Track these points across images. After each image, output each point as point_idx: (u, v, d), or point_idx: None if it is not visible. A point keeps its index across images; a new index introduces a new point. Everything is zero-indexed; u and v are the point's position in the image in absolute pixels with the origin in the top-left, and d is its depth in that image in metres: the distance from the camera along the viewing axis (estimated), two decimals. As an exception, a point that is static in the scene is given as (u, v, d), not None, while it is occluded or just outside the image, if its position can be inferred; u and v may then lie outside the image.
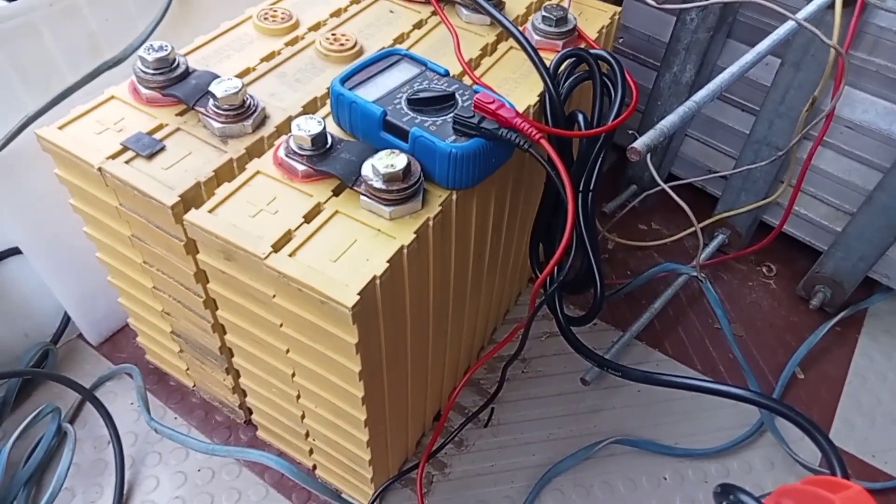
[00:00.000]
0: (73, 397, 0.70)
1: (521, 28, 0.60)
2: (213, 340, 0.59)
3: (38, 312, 0.73)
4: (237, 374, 0.61)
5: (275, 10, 0.62)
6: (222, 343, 0.58)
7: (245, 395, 0.63)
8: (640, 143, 0.45)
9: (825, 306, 0.84)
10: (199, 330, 0.59)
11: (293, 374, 0.53)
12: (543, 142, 0.46)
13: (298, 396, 0.55)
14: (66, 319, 0.75)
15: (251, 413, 0.66)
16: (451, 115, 0.48)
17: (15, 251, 0.68)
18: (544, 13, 0.61)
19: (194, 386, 0.72)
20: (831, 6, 0.61)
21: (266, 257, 0.43)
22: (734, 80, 0.52)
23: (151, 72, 0.52)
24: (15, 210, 0.63)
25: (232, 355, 0.58)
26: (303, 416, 0.58)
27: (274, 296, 0.45)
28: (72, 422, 0.69)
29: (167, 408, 0.72)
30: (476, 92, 0.49)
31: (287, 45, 0.60)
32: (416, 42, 0.61)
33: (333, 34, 0.60)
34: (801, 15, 0.57)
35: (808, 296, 0.85)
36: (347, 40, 0.59)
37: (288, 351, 0.50)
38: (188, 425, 0.71)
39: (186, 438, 0.66)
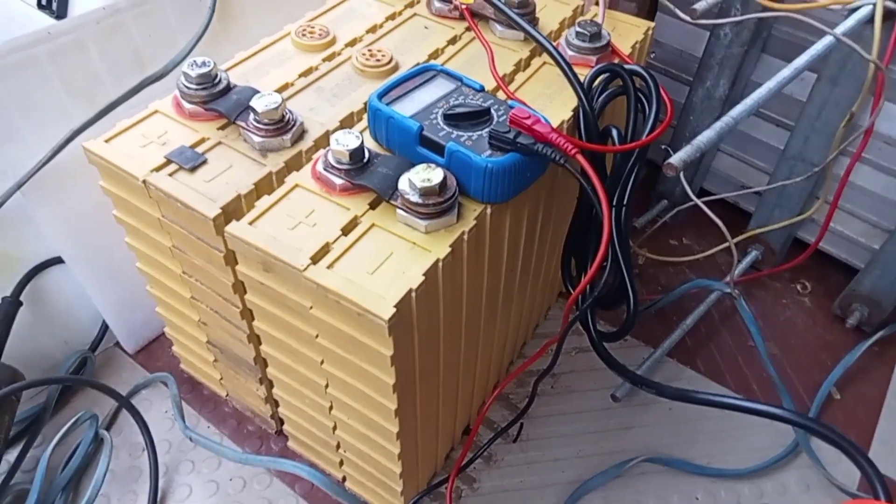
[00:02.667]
0: (110, 404, 0.71)
1: (554, 43, 0.60)
2: (249, 350, 0.60)
3: (78, 321, 0.75)
4: (270, 385, 0.62)
5: (312, 27, 0.63)
6: (257, 353, 0.59)
7: (277, 406, 0.64)
8: (676, 158, 0.45)
9: (862, 325, 0.82)
10: (234, 340, 0.60)
11: (327, 385, 0.53)
12: (579, 157, 0.46)
13: (331, 407, 0.56)
14: (105, 328, 0.76)
15: (283, 423, 0.67)
16: (487, 129, 0.49)
17: (57, 260, 0.70)
18: (578, 29, 0.62)
19: (227, 395, 0.73)
20: (870, 21, 0.60)
21: (305, 269, 0.43)
22: (771, 96, 0.51)
23: (194, 87, 0.53)
24: (59, 220, 0.65)
25: (266, 366, 0.59)
26: (334, 428, 0.58)
27: (311, 307, 0.46)
28: (108, 428, 0.71)
29: (200, 416, 0.73)
30: (511, 107, 0.50)
31: (324, 60, 0.61)
32: (451, 57, 0.62)
33: (369, 50, 0.61)
34: (839, 30, 0.57)
35: (845, 314, 0.84)
36: (383, 56, 0.60)
37: (322, 362, 0.51)
38: (221, 434, 0.72)
39: (220, 447, 0.67)
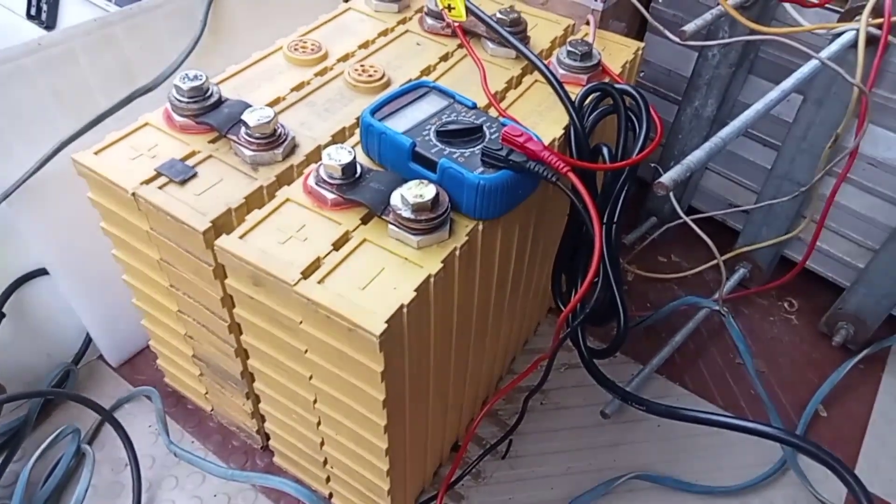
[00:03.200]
0: (93, 418, 0.70)
1: (546, 62, 0.61)
2: (236, 365, 0.59)
3: (61, 333, 0.74)
4: (257, 399, 0.61)
5: (304, 42, 0.63)
6: (244, 368, 0.59)
7: (264, 421, 0.63)
8: (666, 177, 0.45)
9: (848, 343, 0.83)
10: (221, 354, 0.59)
11: (315, 401, 0.53)
12: (571, 175, 0.47)
13: (319, 423, 0.55)
14: (88, 340, 0.75)
15: (269, 439, 0.66)
16: (479, 146, 0.49)
17: (41, 272, 0.69)
18: (569, 48, 0.62)
19: (212, 410, 0.72)
20: (854, 45, 0.61)
21: (295, 284, 0.43)
22: (759, 118, 0.52)
23: (186, 100, 0.53)
24: (44, 232, 0.64)
25: (253, 380, 0.58)
26: (322, 443, 0.58)
27: (301, 322, 0.46)
28: (90, 443, 0.70)
29: (184, 431, 0.72)
30: (503, 125, 0.50)
31: (316, 75, 0.61)
32: (443, 74, 0.62)
33: (362, 65, 0.61)
34: (824, 54, 0.58)
35: (831, 332, 0.84)
36: (376, 71, 0.60)
37: (311, 377, 0.50)
38: (205, 449, 0.71)
39: (205, 463, 0.66)
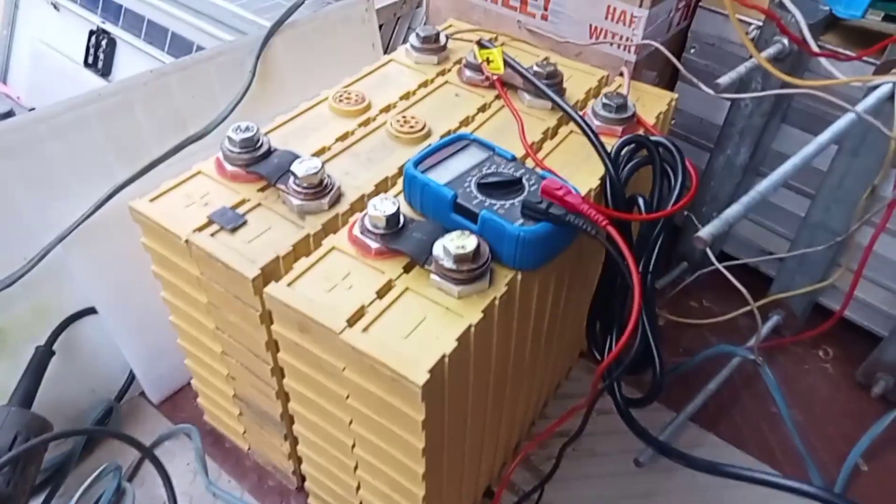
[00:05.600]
0: (134, 455, 0.72)
1: (581, 113, 0.62)
2: (276, 406, 0.60)
3: (106, 370, 0.76)
4: (295, 441, 0.62)
5: (349, 93, 0.66)
6: (284, 409, 0.60)
7: (300, 462, 0.64)
8: (705, 232, 0.46)
9: (888, 395, 0.81)
10: (262, 395, 0.60)
11: (353, 446, 0.54)
12: (610, 228, 0.48)
13: (356, 468, 0.56)
14: (131, 378, 0.77)
15: (304, 480, 0.67)
16: (519, 198, 0.50)
17: (90, 311, 0.72)
18: (605, 100, 0.64)
19: (249, 449, 0.73)
20: (890, 98, 0.62)
21: (341, 332, 0.45)
22: (797, 171, 0.53)
23: (238, 150, 0.55)
24: (96, 273, 0.67)
25: (292, 422, 0.59)
26: (358, 487, 0.58)
27: (344, 369, 0.47)
28: (131, 479, 0.71)
29: (221, 470, 0.73)
30: (542, 177, 0.51)
31: (360, 125, 0.63)
32: (481, 125, 0.64)
33: (403, 117, 0.63)
34: (860, 107, 0.58)
35: (868, 382, 0.83)
36: (417, 122, 0.62)
37: (351, 422, 0.51)
38: (241, 489, 0.71)
39: (241, 503, 0.67)
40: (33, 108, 0.66)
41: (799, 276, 0.84)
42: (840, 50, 0.71)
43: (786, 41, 0.71)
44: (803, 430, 0.80)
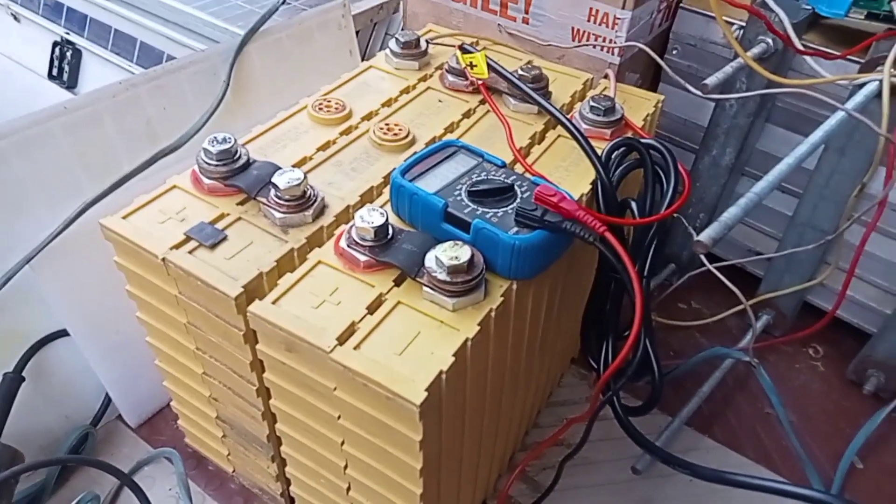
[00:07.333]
0: (112, 482, 0.68)
1: (568, 116, 0.61)
2: (262, 428, 0.58)
3: (80, 394, 0.73)
4: (283, 463, 0.59)
5: (328, 101, 0.64)
6: (271, 431, 0.57)
7: (289, 485, 0.61)
8: (705, 236, 0.44)
9: (879, 391, 0.81)
10: (247, 417, 0.58)
11: (346, 467, 0.51)
12: (608, 235, 0.46)
13: (349, 489, 0.54)
14: (107, 402, 0.74)
15: (293, 502, 0.64)
16: (512, 206, 0.48)
17: (61, 333, 0.68)
18: (592, 103, 0.62)
19: (234, 471, 0.70)
20: (878, 96, 0.61)
21: (331, 350, 0.42)
22: (791, 171, 0.52)
23: (215, 163, 0.53)
24: (67, 294, 0.64)
25: (280, 444, 0.57)
26: (351, 509, 0.56)
27: (335, 388, 0.45)
28: (109, 509, 0.68)
29: (205, 494, 0.70)
30: (535, 183, 0.50)
31: (342, 134, 0.61)
32: (466, 131, 0.62)
33: (386, 124, 0.61)
34: (849, 105, 0.58)
35: (860, 380, 0.83)
36: (401, 130, 0.60)
37: (343, 443, 0.49)
38: (226, 514, 0.69)
39: (226, 529, 0.64)
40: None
41: (788, 276, 0.84)
42: (824, 49, 0.71)
43: (770, 40, 0.70)
44: (797, 430, 0.79)
